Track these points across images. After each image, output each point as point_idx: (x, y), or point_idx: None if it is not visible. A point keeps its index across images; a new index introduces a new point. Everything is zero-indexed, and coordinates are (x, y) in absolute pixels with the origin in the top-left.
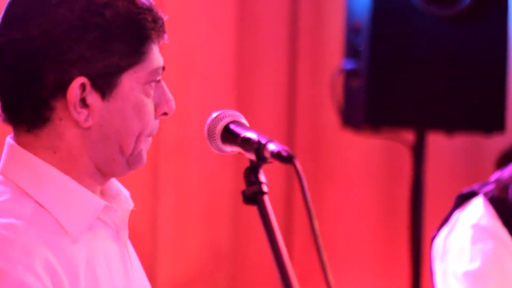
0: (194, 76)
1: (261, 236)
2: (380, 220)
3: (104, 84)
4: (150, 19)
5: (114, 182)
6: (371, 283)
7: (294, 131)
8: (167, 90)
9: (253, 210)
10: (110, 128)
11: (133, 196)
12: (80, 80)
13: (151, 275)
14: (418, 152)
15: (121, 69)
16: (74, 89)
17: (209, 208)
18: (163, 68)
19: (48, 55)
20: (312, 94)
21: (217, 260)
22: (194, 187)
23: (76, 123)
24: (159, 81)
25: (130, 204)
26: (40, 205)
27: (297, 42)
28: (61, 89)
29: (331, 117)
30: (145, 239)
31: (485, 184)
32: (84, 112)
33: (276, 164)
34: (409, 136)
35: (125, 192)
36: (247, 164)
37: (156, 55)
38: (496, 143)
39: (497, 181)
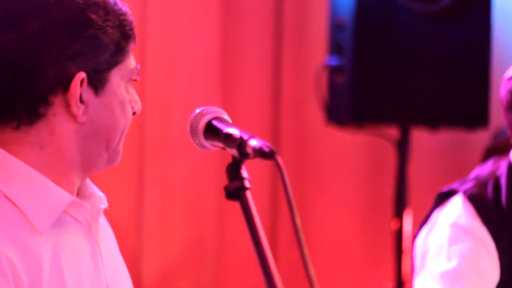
0: (178, 72)
1: (245, 230)
2: (364, 215)
3: (98, 80)
4: (128, 20)
5: (89, 183)
6: (355, 279)
7: (278, 127)
8: (134, 91)
9: (237, 205)
10: (101, 123)
11: (118, 191)
12: (81, 75)
13: (136, 269)
14: (402, 148)
15: (111, 66)
16: (76, 84)
17: (194, 203)
18: (138, 70)
19: (48, 52)
20: (296, 90)
21: (201, 254)
22: (179, 183)
23: (71, 119)
24: (135, 81)
25: (103, 203)
26: (8, 199)
27: (282, 38)
28: (61, 84)
29: (315, 113)
30: (129, 233)
31: (465, 181)
32: (82, 107)
33: (262, 161)
34: (393, 132)
35: (100, 193)
36: (231, 160)
37: (131, 56)
38: (480, 139)
39: (476, 178)
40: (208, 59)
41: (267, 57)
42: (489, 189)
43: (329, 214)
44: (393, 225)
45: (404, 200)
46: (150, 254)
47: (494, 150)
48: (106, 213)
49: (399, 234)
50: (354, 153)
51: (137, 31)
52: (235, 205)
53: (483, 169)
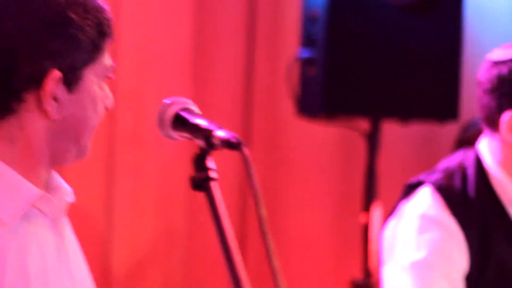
0: (150, 66)
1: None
2: (335, 208)
3: (72, 78)
4: (106, 17)
5: (55, 175)
6: (325, 271)
7: (250, 119)
8: (106, 87)
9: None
10: (72, 120)
11: (88, 184)
12: (55, 73)
13: (106, 260)
14: (372, 141)
15: (85, 63)
16: (50, 82)
17: (164, 194)
18: (113, 67)
19: (25, 49)
20: (269, 83)
21: (171, 245)
22: (150, 175)
23: (43, 115)
24: (109, 78)
25: (70, 197)
26: None
27: (255, 31)
28: (35, 82)
29: (287, 106)
30: (100, 225)
31: (432, 173)
32: (54, 104)
33: (235, 153)
34: (364, 124)
35: (67, 187)
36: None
37: (107, 54)
38: (450, 132)
39: (444, 170)
40: (181, 52)
41: (240, 49)
42: (457, 180)
43: (299, 206)
44: (362, 218)
45: (374, 192)
46: (121, 246)
47: (464, 143)
48: (76, 205)
49: (368, 226)
50: (325, 146)
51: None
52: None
53: (450, 161)
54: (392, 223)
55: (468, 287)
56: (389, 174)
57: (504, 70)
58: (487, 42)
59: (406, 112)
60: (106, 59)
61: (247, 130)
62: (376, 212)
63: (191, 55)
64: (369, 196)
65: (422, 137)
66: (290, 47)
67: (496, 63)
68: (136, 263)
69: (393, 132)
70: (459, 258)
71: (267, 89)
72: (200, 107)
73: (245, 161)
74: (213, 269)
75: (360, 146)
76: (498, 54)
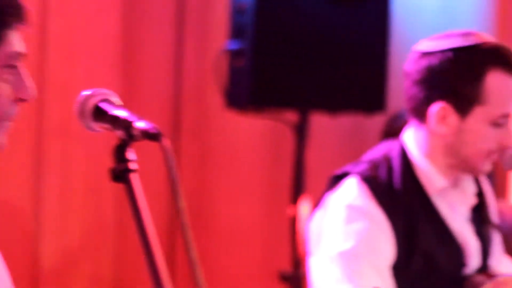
0: (78, 56)
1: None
2: (264, 200)
3: None
4: (10, 6)
5: None
6: (254, 262)
7: (180, 111)
8: (26, 77)
9: None
10: None
11: (15, 177)
12: None
13: (35, 254)
14: (301, 132)
15: None
16: None
17: (93, 186)
18: (22, 55)
19: None
20: (198, 74)
21: (101, 237)
22: (78, 167)
23: None
24: (16, 66)
25: None
26: None
27: (184, 22)
28: None
29: (216, 98)
30: (28, 219)
31: (357, 164)
32: None
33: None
34: (292, 116)
35: None
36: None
37: (14, 41)
38: (378, 123)
39: (370, 161)
40: (109, 43)
41: (169, 41)
42: (382, 171)
43: (229, 198)
44: (290, 210)
45: (302, 185)
46: (50, 240)
47: (391, 134)
48: (2, 199)
49: (296, 218)
50: (254, 138)
51: (37, 17)
52: None
53: (376, 152)
54: (318, 214)
55: (395, 276)
56: (317, 166)
57: (434, 61)
58: (414, 34)
59: (334, 104)
60: (10, 47)
61: (176, 122)
62: (304, 204)
63: (120, 47)
64: (297, 188)
65: (350, 129)
66: (219, 38)
67: (425, 54)
68: (66, 257)
69: (321, 124)
70: (386, 248)
71: (196, 81)
72: (128, 99)
73: (164, 152)
74: (143, 261)
75: (289, 138)
76: (427, 45)
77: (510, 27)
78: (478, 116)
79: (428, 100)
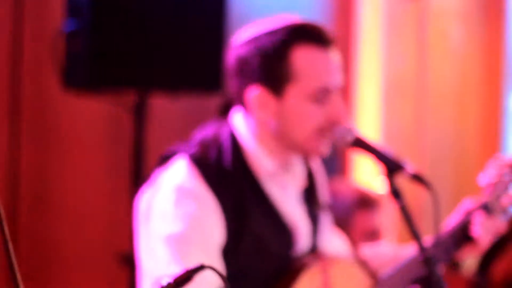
0: None
1: None
2: (105, 182)
3: None
4: None
5: None
6: (96, 244)
7: (18, 94)
8: None
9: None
10: None
11: None
12: None
13: None
14: (140, 114)
15: None
16: None
17: None
18: None
19: None
20: (36, 55)
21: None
22: None
23: None
24: None
25: None
26: None
27: (23, 1)
28: None
29: (55, 80)
30: None
31: (187, 144)
32: None
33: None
34: (131, 98)
35: None
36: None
37: None
38: (216, 104)
39: (200, 142)
40: None
41: (6, 21)
42: (212, 153)
43: (71, 181)
44: (131, 192)
45: (141, 166)
46: None
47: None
48: None
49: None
50: (94, 121)
51: None
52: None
53: (205, 132)
54: (148, 194)
55: (225, 259)
56: (158, 147)
57: (241, 51)
58: (252, 13)
59: (173, 84)
60: None
61: (15, 104)
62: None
63: None
64: (137, 169)
65: (189, 111)
66: (57, 19)
67: (236, 47)
68: None
69: (161, 105)
70: (215, 231)
71: (35, 63)
72: None
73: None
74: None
75: (129, 120)
76: (239, 37)
77: (348, 5)
78: (294, 94)
79: (244, 89)
